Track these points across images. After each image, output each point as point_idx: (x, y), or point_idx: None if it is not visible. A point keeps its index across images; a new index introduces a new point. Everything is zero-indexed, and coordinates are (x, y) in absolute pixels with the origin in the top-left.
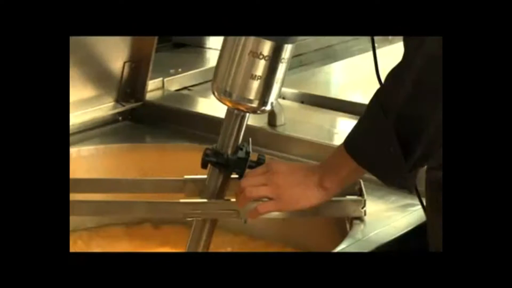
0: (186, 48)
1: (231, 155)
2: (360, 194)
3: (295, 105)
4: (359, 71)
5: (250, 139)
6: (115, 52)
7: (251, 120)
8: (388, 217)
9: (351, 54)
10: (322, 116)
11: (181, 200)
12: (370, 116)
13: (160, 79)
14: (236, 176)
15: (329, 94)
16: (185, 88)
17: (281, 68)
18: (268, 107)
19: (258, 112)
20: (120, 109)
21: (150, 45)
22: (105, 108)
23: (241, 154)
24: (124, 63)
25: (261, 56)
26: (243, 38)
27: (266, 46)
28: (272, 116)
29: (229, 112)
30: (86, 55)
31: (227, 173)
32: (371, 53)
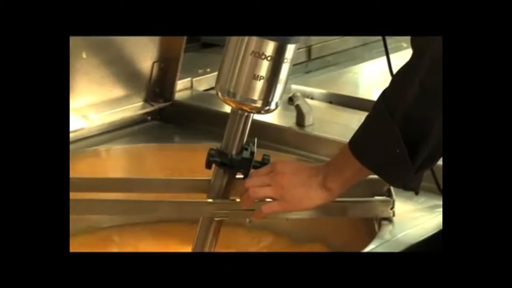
0: (215, 48)
1: (235, 155)
2: (389, 194)
3: (323, 105)
4: (387, 71)
5: (256, 139)
6: (144, 52)
7: (279, 120)
8: (416, 218)
9: (380, 54)
10: (350, 116)
11: (209, 200)
12: (376, 117)
13: (189, 79)
14: (241, 176)
15: (357, 94)
16: (213, 88)
17: (285, 68)
18: (272, 107)
19: (262, 112)
20: (149, 109)
21: (179, 45)
22: (134, 108)
23: (245, 154)
24: (153, 63)
25: (263, 56)
26: (246, 38)
27: (269, 46)
28: (300, 116)
29: (233, 113)
30: (116, 55)
31: (232, 173)
32: (399, 53)
